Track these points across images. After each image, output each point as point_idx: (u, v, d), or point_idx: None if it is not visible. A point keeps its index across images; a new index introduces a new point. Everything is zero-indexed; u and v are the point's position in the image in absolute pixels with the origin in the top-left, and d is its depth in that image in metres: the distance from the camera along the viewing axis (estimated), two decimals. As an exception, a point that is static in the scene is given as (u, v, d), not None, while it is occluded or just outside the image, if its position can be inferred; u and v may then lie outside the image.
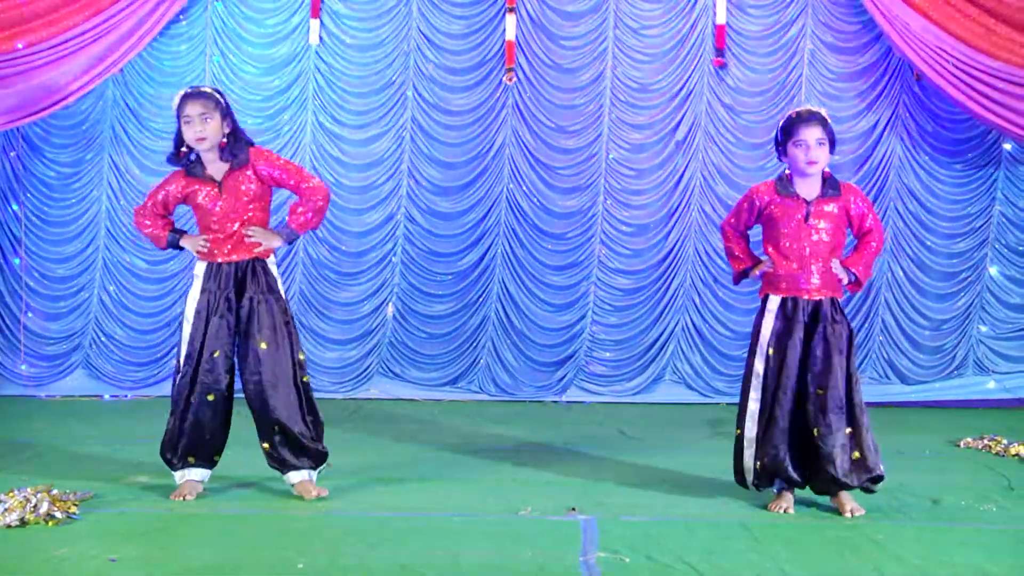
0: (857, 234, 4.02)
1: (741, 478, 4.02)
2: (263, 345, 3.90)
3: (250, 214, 3.96)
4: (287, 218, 4.06)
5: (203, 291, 3.94)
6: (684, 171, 6.73)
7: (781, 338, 3.90)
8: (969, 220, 6.72)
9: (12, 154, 6.54)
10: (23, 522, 3.49)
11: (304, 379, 4.01)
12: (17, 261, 6.61)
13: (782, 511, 3.88)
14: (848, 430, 3.86)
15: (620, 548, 3.34)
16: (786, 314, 3.91)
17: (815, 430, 3.86)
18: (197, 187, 3.96)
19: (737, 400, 4.08)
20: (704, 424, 5.96)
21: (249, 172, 3.95)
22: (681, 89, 6.70)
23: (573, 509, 3.84)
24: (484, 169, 6.73)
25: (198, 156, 3.96)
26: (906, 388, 6.76)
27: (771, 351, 3.91)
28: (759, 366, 3.94)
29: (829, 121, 3.90)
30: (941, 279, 6.73)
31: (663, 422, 6.02)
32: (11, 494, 3.68)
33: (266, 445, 3.99)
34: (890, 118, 6.68)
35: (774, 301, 3.94)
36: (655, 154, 6.73)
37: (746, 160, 6.73)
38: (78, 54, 5.81)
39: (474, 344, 6.76)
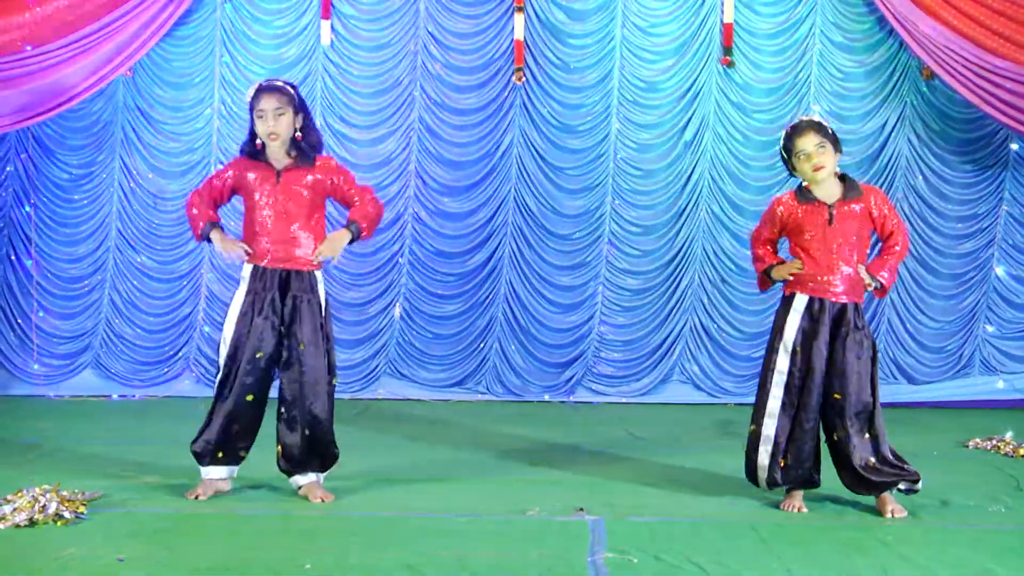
0: (881, 236, 4.00)
1: (753, 476, 4.00)
2: (303, 346, 3.91)
3: (299, 222, 3.89)
4: (350, 217, 3.98)
5: (248, 292, 3.92)
6: (692, 171, 6.72)
7: (807, 337, 3.88)
8: (976, 220, 6.71)
9: (24, 156, 6.57)
10: (32, 522, 3.50)
11: (334, 381, 4.02)
12: (30, 262, 6.64)
13: (794, 510, 3.88)
14: (866, 436, 3.87)
15: (628, 548, 3.33)
16: (812, 314, 3.89)
17: (834, 434, 3.88)
18: (254, 173, 3.90)
19: (746, 400, 4.06)
20: (712, 424, 5.94)
21: (309, 176, 3.91)
22: (690, 88, 6.69)
23: (581, 509, 3.83)
24: (491, 169, 6.72)
25: (264, 146, 3.91)
26: (913, 388, 6.74)
27: (798, 349, 3.88)
28: (783, 363, 3.91)
29: (824, 122, 3.91)
30: (947, 279, 6.71)
31: (671, 422, 6.01)
32: (19, 494, 3.69)
33: (281, 447, 3.99)
34: (898, 118, 6.66)
35: (801, 300, 3.91)
36: (663, 154, 6.72)
37: (755, 159, 6.71)
38: (86, 54, 5.83)
39: (481, 345, 6.76)
